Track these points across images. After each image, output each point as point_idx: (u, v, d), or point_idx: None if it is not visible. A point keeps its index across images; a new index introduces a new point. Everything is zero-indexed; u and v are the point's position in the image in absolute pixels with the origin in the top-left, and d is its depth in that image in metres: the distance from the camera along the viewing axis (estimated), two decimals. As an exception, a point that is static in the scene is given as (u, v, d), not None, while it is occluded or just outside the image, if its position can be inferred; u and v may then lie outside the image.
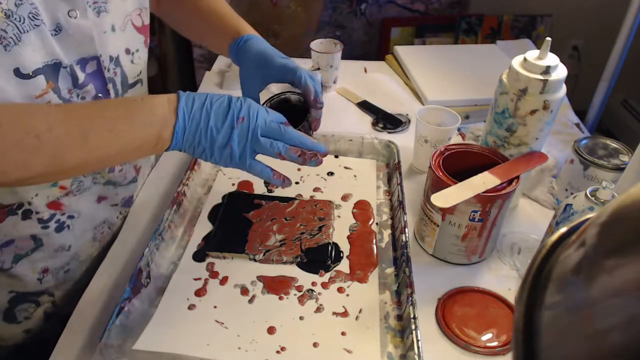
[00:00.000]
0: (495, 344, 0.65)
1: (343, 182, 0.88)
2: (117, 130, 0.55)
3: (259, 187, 0.87)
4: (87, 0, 0.61)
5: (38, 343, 0.76)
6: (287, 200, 0.83)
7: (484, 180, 0.68)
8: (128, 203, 0.82)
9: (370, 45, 2.17)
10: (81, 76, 0.63)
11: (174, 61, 2.27)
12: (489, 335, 0.66)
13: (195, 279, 0.70)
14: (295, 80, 0.69)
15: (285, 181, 0.66)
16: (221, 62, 1.26)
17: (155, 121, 0.56)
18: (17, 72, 0.55)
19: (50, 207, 0.68)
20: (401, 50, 1.28)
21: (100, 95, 0.67)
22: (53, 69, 0.59)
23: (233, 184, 0.87)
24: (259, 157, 0.63)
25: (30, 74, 0.56)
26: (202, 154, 0.59)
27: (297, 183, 0.88)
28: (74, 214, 0.72)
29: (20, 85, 0.55)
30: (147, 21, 0.74)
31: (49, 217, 0.69)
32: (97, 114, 0.55)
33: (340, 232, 0.79)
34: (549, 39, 0.70)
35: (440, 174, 0.70)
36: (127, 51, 0.71)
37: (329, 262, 0.73)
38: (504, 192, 0.68)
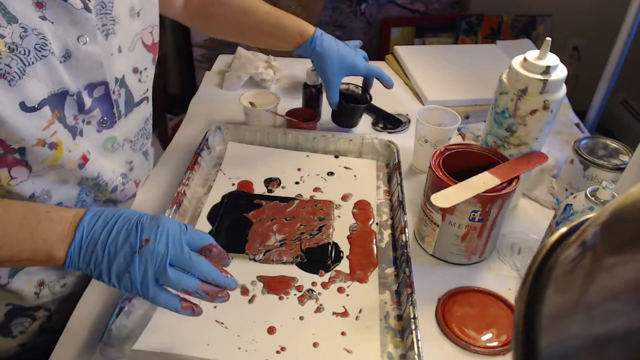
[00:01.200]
0: (495, 344, 0.65)
1: (343, 182, 0.88)
2: (7, 239, 0.51)
3: (259, 187, 0.87)
4: (96, 24, 0.60)
5: (32, 357, 0.75)
6: (287, 200, 0.83)
7: (484, 180, 0.68)
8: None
9: (370, 45, 2.17)
10: (88, 102, 0.63)
11: (174, 61, 2.28)
12: (489, 335, 0.66)
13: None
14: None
15: (196, 311, 0.56)
16: (221, 62, 1.26)
17: (50, 237, 0.52)
18: (23, 106, 0.54)
19: None
20: (401, 50, 1.28)
21: (105, 118, 0.67)
22: (59, 97, 0.58)
23: (233, 184, 0.87)
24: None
25: (36, 106, 0.55)
26: (99, 277, 0.53)
27: (297, 183, 0.88)
28: None
29: (27, 119, 0.55)
30: (157, 38, 0.73)
31: None
32: None
33: (340, 232, 0.79)
34: (549, 39, 0.70)
35: (440, 174, 0.70)
36: (135, 70, 0.70)
37: (329, 262, 0.73)
38: (504, 192, 0.68)
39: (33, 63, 0.53)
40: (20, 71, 0.52)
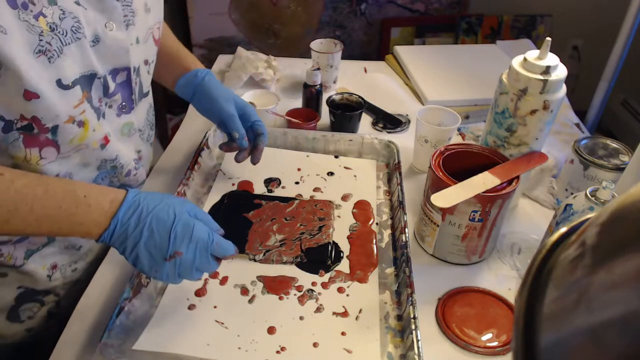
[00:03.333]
0: (495, 344, 0.65)
1: (343, 182, 0.88)
2: (47, 219, 0.54)
3: (259, 187, 0.87)
4: (122, 13, 0.63)
5: (37, 342, 0.76)
6: (287, 200, 0.83)
7: (484, 180, 0.68)
8: None
9: (370, 45, 2.17)
10: (112, 86, 0.66)
11: (174, 61, 2.27)
12: (489, 335, 0.66)
13: (195, 279, 0.70)
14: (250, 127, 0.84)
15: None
16: (221, 62, 1.26)
17: (88, 221, 0.56)
18: (59, 83, 0.57)
19: None
20: (401, 50, 1.28)
21: (125, 103, 0.70)
22: (88, 79, 0.61)
23: (233, 184, 0.87)
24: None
25: (70, 84, 0.58)
26: (127, 260, 0.58)
27: (297, 183, 0.88)
28: None
29: (62, 96, 0.57)
30: (160, 35, 0.77)
31: None
32: (37, 197, 0.54)
33: (340, 232, 0.79)
34: (549, 39, 0.70)
35: (440, 174, 0.70)
36: (146, 62, 0.73)
37: (329, 262, 0.73)
38: (504, 192, 0.68)
39: (69, 44, 0.56)
40: (59, 50, 0.55)
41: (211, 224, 0.62)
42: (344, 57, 1.16)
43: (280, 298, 0.68)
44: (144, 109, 0.78)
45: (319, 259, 0.73)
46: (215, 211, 0.81)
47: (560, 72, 0.71)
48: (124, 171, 0.74)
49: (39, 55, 0.54)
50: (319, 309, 0.67)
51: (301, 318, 0.66)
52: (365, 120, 1.07)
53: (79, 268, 0.77)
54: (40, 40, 0.53)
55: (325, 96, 1.04)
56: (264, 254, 0.73)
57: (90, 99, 0.62)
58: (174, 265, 0.57)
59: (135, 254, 0.57)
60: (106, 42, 0.62)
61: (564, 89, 0.72)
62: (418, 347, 0.59)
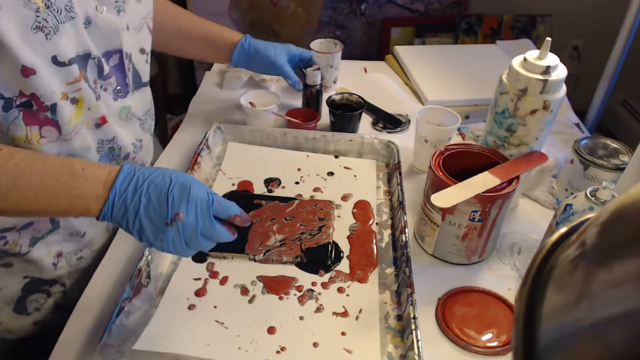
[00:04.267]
0: (495, 344, 0.65)
1: (343, 182, 0.88)
2: (45, 193, 0.54)
3: (259, 187, 0.87)
4: None
5: (45, 335, 0.76)
6: (287, 200, 0.83)
7: (484, 180, 0.68)
8: None
9: (370, 45, 2.17)
10: (106, 68, 0.67)
11: (174, 61, 2.27)
12: (489, 335, 0.66)
13: (195, 279, 0.70)
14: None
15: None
16: (221, 62, 1.27)
17: (86, 195, 0.55)
18: (55, 60, 0.58)
19: None
20: (401, 50, 1.28)
21: (119, 87, 0.70)
22: (83, 59, 0.62)
23: (233, 184, 0.87)
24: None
25: (67, 62, 0.59)
26: (131, 233, 0.57)
27: (297, 183, 0.88)
28: None
29: (57, 73, 0.59)
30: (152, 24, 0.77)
31: None
32: (35, 170, 0.54)
33: (340, 232, 0.79)
34: (549, 39, 0.70)
35: (440, 174, 0.70)
36: (142, 51, 0.74)
37: (329, 262, 0.73)
38: (504, 192, 0.68)
39: (64, 22, 0.57)
40: (55, 27, 0.56)
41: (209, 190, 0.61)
42: (344, 57, 1.16)
43: (280, 298, 0.68)
44: (145, 100, 0.79)
45: (319, 259, 0.73)
46: (215, 211, 0.81)
47: (560, 72, 0.71)
48: (122, 154, 0.74)
49: (36, 31, 0.55)
50: (319, 309, 0.67)
51: (301, 318, 0.66)
52: (365, 120, 1.07)
53: (85, 256, 0.77)
54: (37, 16, 0.54)
55: (325, 96, 1.04)
56: (264, 254, 0.73)
57: (86, 78, 0.63)
58: (177, 230, 0.55)
59: (138, 224, 0.55)
60: (98, 24, 0.63)
61: (564, 89, 0.72)
62: (418, 347, 0.59)
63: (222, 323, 0.64)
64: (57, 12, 0.56)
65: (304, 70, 1.00)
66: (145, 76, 0.77)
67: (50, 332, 0.67)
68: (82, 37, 0.60)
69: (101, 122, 0.68)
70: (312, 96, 1.02)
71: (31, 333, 0.76)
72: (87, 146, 0.68)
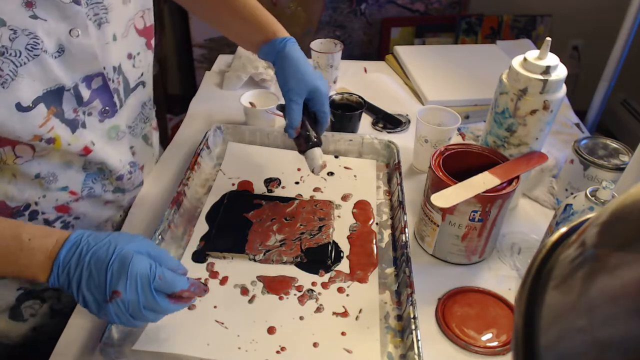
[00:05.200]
0: (495, 344, 0.65)
1: (343, 182, 0.88)
2: None
3: (259, 187, 0.87)
4: (87, 15, 0.60)
5: (45, 341, 0.76)
6: (287, 200, 0.83)
7: (484, 180, 0.68)
8: (132, 201, 0.84)
9: (370, 45, 2.17)
10: (86, 94, 0.63)
11: (174, 61, 2.28)
12: (489, 335, 0.66)
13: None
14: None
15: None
16: (221, 62, 1.26)
17: (33, 265, 0.54)
18: (19, 107, 0.55)
19: (58, 210, 0.69)
20: (401, 50, 1.28)
21: (107, 108, 0.68)
22: (55, 94, 0.59)
23: (233, 184, 0.87)
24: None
25: (31, 105, 0.56)
26: (80, 303, 0.55)
27: (297, 183, 0.88)
28: (80, 215, 0.73)
29: (23, 119, 0.56)
30: (149, 22, 0.73)
31: (55, 218, 0.69)
32: None
33: (340, 232, 0.79)
34: (549, 39, 0.70)
35: (440, 174, 0.70)
36: (129, 56, 0.71)
37: (329, 262, 0.73)
38: (504, 192, 0.68)
39: (25, 63, 0.54)
40: (13, 73, 0.53)
41: (166, 259, 0.57)
42: (344, 57, 1.16)
43: (280, 298, 0.68)
44: (135, 105, 0.76)
45: (319, 259, 0.73)
46: (215, 211, 0.81)
47: (560, 72, 0.71)
48: (115, 175, 0.73)
49: None
50: (319, 309, 0.67)
51: (301, 318, 0.66)
52: (365, 120, 1.07)
53: None
54: None
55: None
56: (264, 254, 0.73)
57: (60, 113, 0.60)
58: (118, 306, 0.52)
59: (82, 297, 0.53)
60: (72, 51, 0.59)
61: (564, 89, 0.72)
62: (418, 347, 0.59)
63: (222, 323, 0.64)
64: (16, 55, 0.53)
65: (304, 154, 0.78)
66: (134, 80, 0.74)
67: (48, 337, 0.66)
68: (51, 72, 0.57)
69: (85, 153, 0.65)
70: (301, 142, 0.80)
71: (29, 339, 0.76)
72: (68, 162, 0.66)
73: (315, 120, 0.79)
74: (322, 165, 0.77)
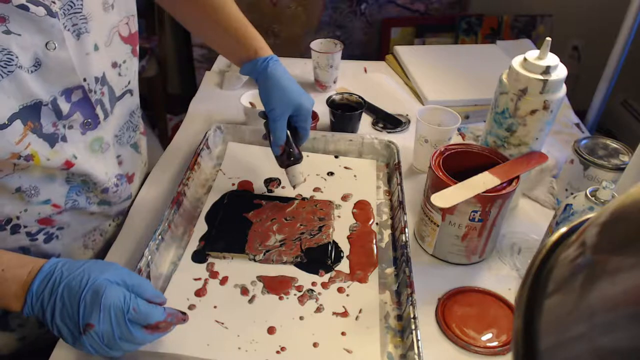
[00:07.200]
0: (495, 344, 0.65)
1: (343, 182, 0.88)
2: None
3: (259, 187, 0.87)
4: (65, 26, 0.58)
5: (34, 352, 0.75)
6: (287, 200, 0.83)
7: (484, 180, 0.68)
8: (121, 213, 0.82)
9: (370, 45, 2.17)
10: (65, 107, 0.61)
11: (174, 61, 2.28)
12: (489, 335, 0.66)
13: (195, 279, 0.70)
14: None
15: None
16: (221, 62, 1.26)
17: (7, 295, 0.54)
18: None
19: (40, 222, 0.68)
20: (401, 50, 1.28)
21: (89, 120, 0.66)
22: (32, 109, 0.57)
23: (233, 184, 0.87)
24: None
25: (6, 122, 0.54)
26: (55, 333, 0.55)
27: (297, 183, 0.88)
28: (63, 225, 0.71)
29: (0, 136, 0.54)
30: (134, 29, 0.71)
31: (37, 230, 0.68)
32: None
33: (340, 232, 0.79)
34: (549, 39, 0.70)
35: (440, 174, 0.70)
36: (114, 65, 0.69)
37: (329, 262, 0.73)
38: (504, 192, 0.68)
39: None
40: None
41: (144, 288, 0.56)
42: (344, 57, 1.16)
43: (280, 298, 0.68)
44: (122, 113, 0.74)
45: (319, 259, 0.73)
46: (215, 211, 0.81)
47: (560, 72, 0.71)
48: (100, 188, 0.71)
49: None
50: (319, 309, 0.67)
51: (301, 318, 0.66)
52: (365, 120, 1.07)
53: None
54: None
55: (325, 96, 1.04)
56: (264, 254, 0.73)
57: (38, 128, 0.59)
58: (93, 338, 0.52)
59: (56, 328, 0.53)
60: (49, 64, 0.57)
61: (564, 89, 0.72)
62: (418, 347, 0.59)
63: (222, 323, 0.64)
64: None
65: (285, 170, 0.81)
66: (120, 89, 0.72)
67: (40, 349, 0.65)
68: (27, 88, 0.55)
69: (66, 167, 0.64)
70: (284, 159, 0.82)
71: (20, 350, 0.74)
72: (50, 175, 0.65)
73: (296, 135, 0.82)
74: (302, 181, 0.82)
